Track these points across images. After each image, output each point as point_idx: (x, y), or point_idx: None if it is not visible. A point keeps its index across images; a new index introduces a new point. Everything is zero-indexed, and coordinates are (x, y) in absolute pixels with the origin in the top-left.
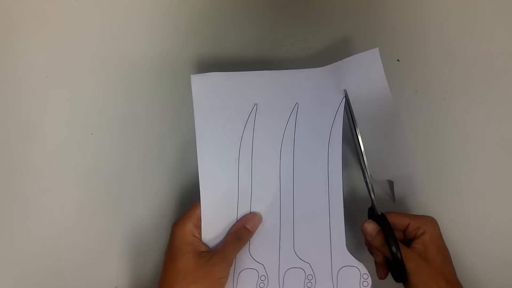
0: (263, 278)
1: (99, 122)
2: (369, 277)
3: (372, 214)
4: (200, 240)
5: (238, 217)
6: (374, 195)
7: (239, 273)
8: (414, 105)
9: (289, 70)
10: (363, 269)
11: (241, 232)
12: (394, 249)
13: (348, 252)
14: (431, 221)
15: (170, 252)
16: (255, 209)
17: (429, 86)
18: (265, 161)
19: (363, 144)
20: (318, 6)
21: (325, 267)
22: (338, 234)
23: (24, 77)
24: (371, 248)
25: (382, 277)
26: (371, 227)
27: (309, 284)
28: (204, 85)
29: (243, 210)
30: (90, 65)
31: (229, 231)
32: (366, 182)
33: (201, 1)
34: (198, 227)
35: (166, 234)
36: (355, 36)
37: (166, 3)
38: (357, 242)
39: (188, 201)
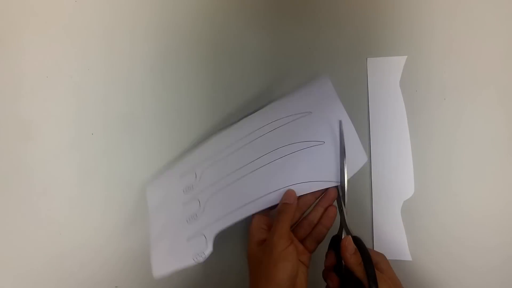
0: None
1: (99, 122)
2: None
3: (337, 240)
4: (266, 231)
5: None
6: (347, 219)
7: None
8: (414, 105)
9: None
10: None
11: (281, 207)
12: (370, 269)
13: None
14: (381, 255)
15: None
16: None
17: (429, 86)
18: None
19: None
20: (319, 6)
21: None
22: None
23: (24, 77)
24: (328, 272)
25: None
26: (352, 244)
27: None
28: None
29: None
30: (90, 65)
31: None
32: (342, 211)
33: (201, 1)
34: (265, 223)
35: None
36: (354, 36)
37: (166, 2)
38: None
39: None
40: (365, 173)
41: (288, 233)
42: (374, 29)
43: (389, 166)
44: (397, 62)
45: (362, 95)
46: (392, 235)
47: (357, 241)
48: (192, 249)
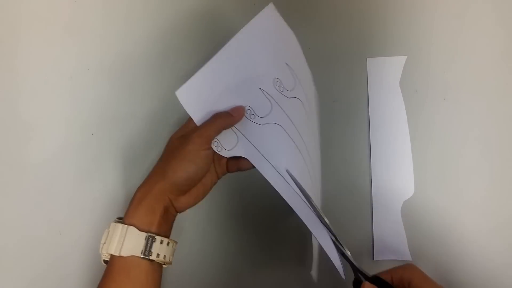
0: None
1: (99, 122)
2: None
3: (358, 284)
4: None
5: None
6: (356, 264)
7: None
8: (414, 105)
9: None
10: None
11: (220, 114)
12: None
13: None
14: (410, 267)
15: None
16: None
17: (429, 86)
18: None
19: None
20: (319, 6)
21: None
22: None
23: (24, 77)
24: None
25: None
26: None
27: None
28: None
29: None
30: (90, 65)
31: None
32: (343, 254)
33: (201, 2)
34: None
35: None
36: (354, 36)
37: (166, 2)
38: None
39: None
40: (365, 173)
41: (210, 138)
42: (374, 29)
43: (389, 166)
44: (397, 62)
45: (362, 95)
46: (392, 235)
47: (376, 280)
48: (221, 135)
